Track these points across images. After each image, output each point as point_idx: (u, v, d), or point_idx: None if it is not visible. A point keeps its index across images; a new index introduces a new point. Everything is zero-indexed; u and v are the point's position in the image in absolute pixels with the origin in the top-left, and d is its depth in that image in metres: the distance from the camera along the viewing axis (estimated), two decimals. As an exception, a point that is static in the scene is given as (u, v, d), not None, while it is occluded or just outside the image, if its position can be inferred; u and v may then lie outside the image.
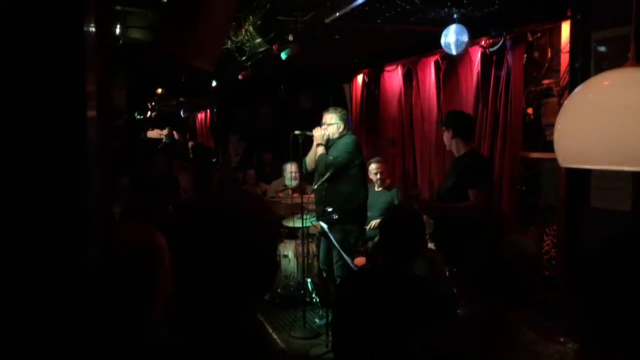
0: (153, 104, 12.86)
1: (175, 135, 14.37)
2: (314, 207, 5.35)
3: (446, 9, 4.23)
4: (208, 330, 1.22)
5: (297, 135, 5.01)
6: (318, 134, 5.04)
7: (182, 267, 1.26)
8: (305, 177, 5.76)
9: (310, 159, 5.20)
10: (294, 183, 6.80)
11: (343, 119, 5.10)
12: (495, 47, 4.80)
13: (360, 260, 5.32)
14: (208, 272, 1.23)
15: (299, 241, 5.76)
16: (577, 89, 1.65)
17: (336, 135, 5.05)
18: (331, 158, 4.90)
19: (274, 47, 4.60)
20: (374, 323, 2.43)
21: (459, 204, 4.06)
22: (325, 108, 5.27)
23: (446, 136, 4.29)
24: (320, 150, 5.00)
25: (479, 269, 1.95)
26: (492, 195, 4.46)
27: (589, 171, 3.43)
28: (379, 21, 4.52)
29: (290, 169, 6.78)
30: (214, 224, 1.24)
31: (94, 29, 1.33)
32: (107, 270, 1.38)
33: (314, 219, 5.30)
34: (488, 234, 2.46)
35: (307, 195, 5.61)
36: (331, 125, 5.05)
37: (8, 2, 1.20)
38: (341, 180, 4.95)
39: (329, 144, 5.05)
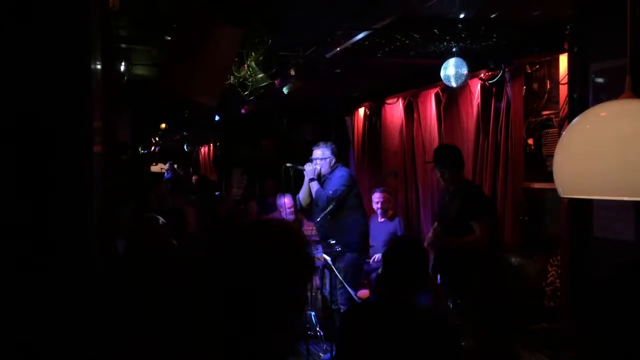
0: (157, 138, 12.96)
1: (177, 169, 14.38)
2: (316, 239, 5.35)
3: (445, 43, 4.30)
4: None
5: (288, 167, 5.05)
6: (309, 169, 5.09)
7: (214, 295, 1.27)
8: (300, 211, 5.76)
9: (304, 195, 5.23)
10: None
11: (334, 153, 5.16)
12: (495, 79, 4.86)
13: (363, 293, 5.28)
14: (246, 299, 1.24)
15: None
16: (574, 121, 1.68)
17: (327, 170, 5.11)
18: (330, 192, 4.94)
19: (276, 81, 4.67)
20: (379, 357, 2.40)
21: (467, 237, 4.15)
22: (325, 141, 5.34)
23: (441, 174, 4.40)
24: (315, 185, 5.04)
25: (479, 296, 1.96)
26: (496, 226, 4.50)
27: (591, 201, 3.43)
28: (379, 55, 4.59)
29: (285, 205, 6.20)
30: (259, 253, 1.25)
31: (99, 67, 1.36)
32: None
33: (317, 251, 5.30)
34: (487, 261, 2.47)
35: (308, 228, 5.60)
36: (322, 160, 5.11)
37: (18, 44, 1.24)
38: (341, 212, 5.00)
39: (322, 178, 5.10)
